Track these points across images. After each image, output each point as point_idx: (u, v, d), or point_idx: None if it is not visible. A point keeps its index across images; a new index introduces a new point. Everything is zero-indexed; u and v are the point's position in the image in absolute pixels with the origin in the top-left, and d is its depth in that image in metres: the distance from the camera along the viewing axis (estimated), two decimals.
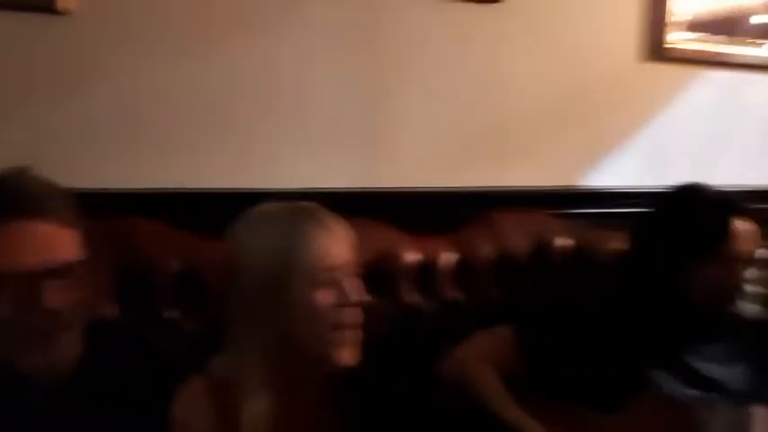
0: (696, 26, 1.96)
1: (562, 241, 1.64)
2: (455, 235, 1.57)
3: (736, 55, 2.03)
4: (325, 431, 0.97)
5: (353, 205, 1.54)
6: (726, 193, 1.28)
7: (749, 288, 1.69)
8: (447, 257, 1.52)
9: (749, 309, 1.66)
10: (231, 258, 0.93)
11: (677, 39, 1.92)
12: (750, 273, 1.68)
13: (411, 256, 1.48)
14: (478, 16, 1.68)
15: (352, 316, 0.92)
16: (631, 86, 1.90)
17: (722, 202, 1.25)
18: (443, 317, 1.48)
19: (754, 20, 2.08)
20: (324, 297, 0.89)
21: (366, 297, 0.93)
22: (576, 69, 1.81)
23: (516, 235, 1.62)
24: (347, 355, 0.91)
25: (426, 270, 1.50)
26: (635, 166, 1.90)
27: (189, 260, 1.25)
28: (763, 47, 2.09)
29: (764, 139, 2.16)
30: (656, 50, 1.90)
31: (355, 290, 0.92)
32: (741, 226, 1.22)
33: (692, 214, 1.26)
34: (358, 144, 1.60)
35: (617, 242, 1.58)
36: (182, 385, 0.92)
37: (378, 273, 1.45)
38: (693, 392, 1.20)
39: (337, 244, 0.91)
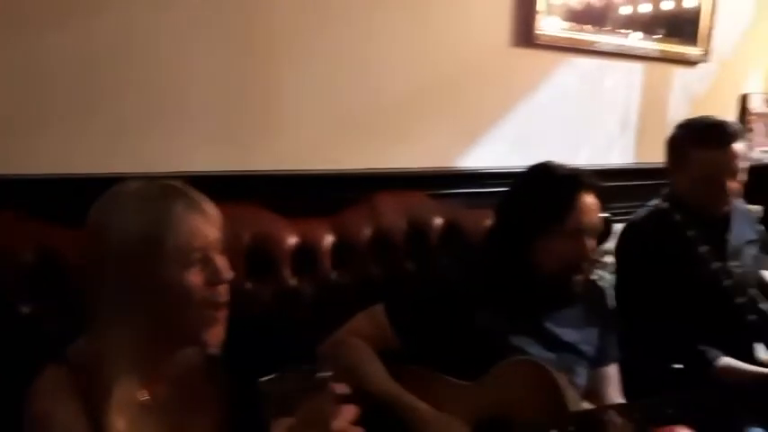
0: (566, 14, 2.07)
1: (438, 220, 1.71)
2: (335, 217, 1.59)
3: (602, 43, 2.18)
4: (199, 412, 0.96)
5: (230, 189, 1.53)
6: (574, 170, 1.35)
7: (606, 258, 1.85)
8: (327, 239, 1.54)
9: (605, 276, 1.83)
10: (94, 241, 0.89)
11: (547, 26, 2.03)
12: (607, 244, 1.85)
13: (290, 239, 1.49)
14: (361, 3, 1.69)
15: (223, 294, 0.92)
16: (503, 71, 1.99)
17: (569, 178, 1.32)
18: (324, 298, 1.50)
19: (623, 10, 2.23)
20: (195, 276, 0.88)
21: (232, 275, 0.93)
22: (450, 54, 1.87)
23: (395, 215, 1.66)
24: (215, 335, 0.91)
25: (306, 252, 1.51)
26: (506, 147, 2.00)
27: (46, 250, 1.18)
28: (628, 36, 2.26)
29: (625, 123, 2.35)
30: (527, 37, 1.99)
31: (225, 268, 0.92)
32: (588, 200, 1.30)
33: (542, 190, 1.33)
34: (234, 127, 1.57)
35: (488, 220, 1.66)
36: (37, 375, 0.88)
37: (257, 256, 1.45)
38: (551, 355, 1.30)
39: (207, 222, 0.90)
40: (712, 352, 1.50)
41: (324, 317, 1.43)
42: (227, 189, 1.51)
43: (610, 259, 1.88)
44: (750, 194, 2.58)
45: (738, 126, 1.64)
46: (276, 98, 1.61)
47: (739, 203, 1.75)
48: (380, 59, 1.75)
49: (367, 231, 1.60)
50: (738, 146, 1.59)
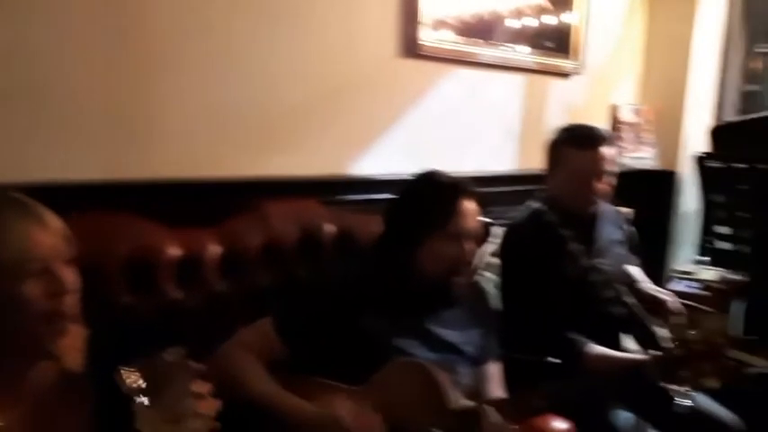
0: (450, 27, 2.16)
1: (330, 227, 1.72)
2: (222, 226, 1.56)
3: (484, 55, 2.29)
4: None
5: (108, 198, 1.47)
6: (455, 177, 1.43)
7: (490, 260, 1.94)
8: (213, 249, 1.51)
9: (492, 277, 1.91)
10: None
11: (431, 38, 2.10)
12: (490, 247, 1.94)
13: (173, 251, 1.45)
14: (243, 10, 1.68)
15: (69, 305, 0.90)
16: (390, 81, 2.04)
17: (451, 185, 1.40)
18: (211, 310, 1.47)
19: (504, 24, 2.35)
20: (32, 288, 0.86)
21: (78, 285, 0.90)
22: (339, 63, 1.89)
23: (285, 223, 1.66)
24: (67, 347, 0.88)
25: (191, 264, 1.47)
26: (396, 154, 2.05)
27: None
28: (509, 49, 2.38)
29: (506, 133, 2.48)
30: (411, 48, 2.06)
31: (69, 278, 0.90)
32: (468, 205, 1.38)
33: (426, 196, 1.40)
34: (114, 133, 1.51)
35: (379, 226, 1.70)
36: None
37: (137, 269, 1.40)
38: (435, 356, 1.34)
39: (45, 231, 0.89)
40: (582, 341, 1.62)
41: (212, 330, 1.40)
42: (105, 198, 1.47)
43: (495, 260, 1.98)
44: (622, 198, 2.81)
45: (608, 132, 1.78)
46: (157, 104, 1.56)
47: (607, 206, 1.90)
48: (267, 66, 1.74)
49: (256, 240, 1.59)
50: (606, 149, 1.74)
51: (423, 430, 1.18)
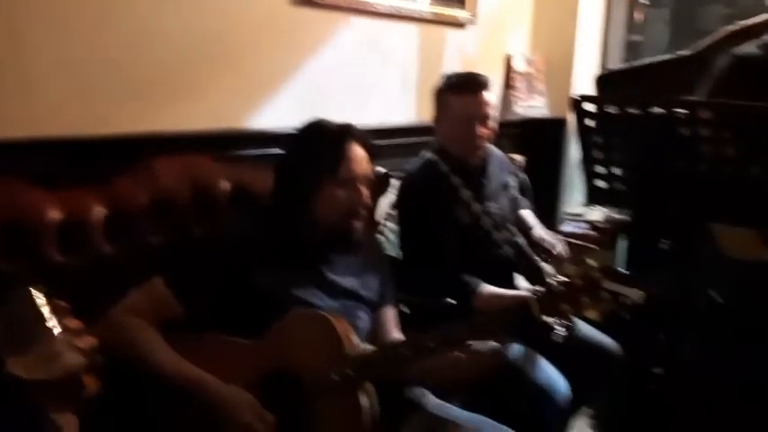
0: None
1: (225, 184, 1.67)
2: (106, 186, 1.48)
3: (379, 4, 2.26)
4: None
5: None
6: (342, 124, 1.43)
7: (390, 210, 1.98)
8: (97, 211, 1.43)
9: (392, 227, 1.95)
10: None
11: None
12: (390, 198, 1.97)
13: (53, 213, 1.36)
14: None
15: None
16: (284, 30, 1.98)
17: (338, 131, 1.40)
18: (98, 274, 1.40)
19: None
20: None
21: None
22: (228, 12, 1.81)
23: (176, 181, 1.59)
24: None
25: (73, 226, 1.39)
26: (294, 107, 2.01)
27: None
28: None
29: (404, 83, 2.48)
30: None
31: None
32: (357, 150, 1.39)
33: (314, 144, 1.40)
34: None
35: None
36: None
37: (12, 234, 1.30)
38: (334, 303, 1.37)
39: None
40: (474, 282, 1.70)
41: (100, 294, 1.34)
42: None
43: (395, 211, 2.02)
44: (516, 146, 2.91)
45: (487, 78, 1.84)
46: (32, 57, 1.43)
47: (497, 151, 1.98)
48: (151, 15, 1.63)
49: (144, 199, 1.51)
50: (486, 94, 1.80)
51: (322, 377, 1.20)
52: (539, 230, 1.98)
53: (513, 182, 2.03)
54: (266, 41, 1.93)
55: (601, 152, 1.44)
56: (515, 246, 1.86)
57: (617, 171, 1.46)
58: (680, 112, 1.31)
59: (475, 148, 1.83)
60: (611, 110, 1.37)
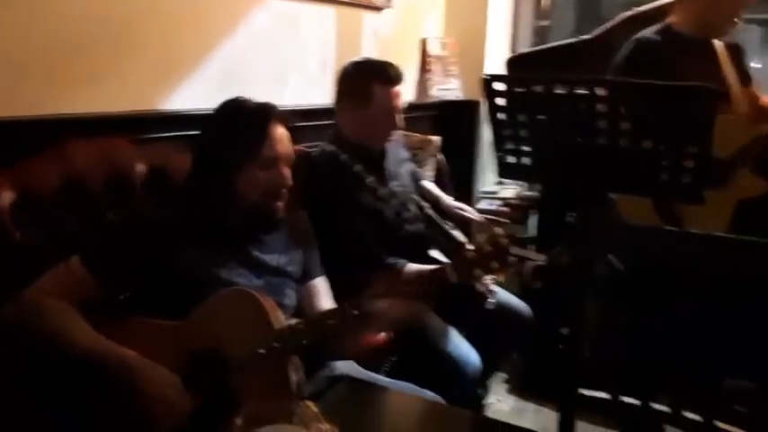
0: None
1: (141, 167, 1.64)
2: (15, 170, 1.42)
3: None
4: None
5: None
6: (263, 103, 1.42)
7: None
8: (5, 196, 1.37)
9: None
10: None
11: None
12: None
13: None
14: None
15: None
16: (198, 9, 1.94)
17: (260, 110, 1.40)
18: (7, 262, 1.35)
19: None
20: None
21: None
22: None
23: (90, 165, 1.55)
24: None
25: None
26: (207, 89, 1.99)
27: None
28: None
29: (324, 64, 2.50)
30: None
31: None
32: (279, 130, 1.39)
33: (235, 124, 1.39)
34: None
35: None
36: None
37: None
38: (260, 282, 1.38)
39: None
40: (398, 262, 1.76)
41: (10, 282, 1.29)
42: None
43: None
44: (433, 127, 3.00)
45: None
46: None
47: None
48: None
49: (55, 183, 1.46)
50: (401, 85, 1.87)
51: (249, 352, 1.22)
52: (446, 199, 2.07)
53: (406, 154, 2.10)
54: (180, 21, 1.89)
55: (509, 129, 1.52)
56: (425, 219, 1.93)
57: (525, 147, 1.55)
58: (579, 90, 1.40)
59: (392, 134, 1.89)
60: (519, 89, 1.45)
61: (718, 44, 2.08)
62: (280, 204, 1.40)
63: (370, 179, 1.86)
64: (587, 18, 5.12)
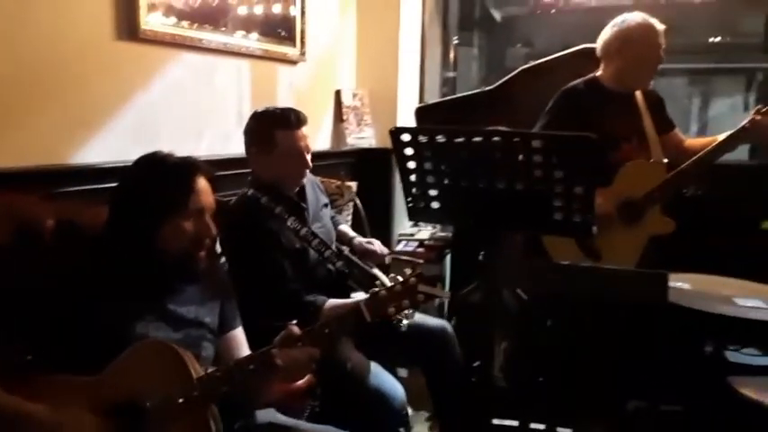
0: (176, 12, 2.15)
1: (50, 222, 1.62)
2: None
3: (209, 41, 2.32)
4: None
5: None
6: (184, 157, 1.46)
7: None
8: None
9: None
10: None
11: (154, 22, 2.07)
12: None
13: None
14: None
15: None
16: (110, 65, 1.96)
17: (184, 164, 1.43)
18: None
19: (235, 10, 2.41)
20: None
21: None
22: (50, 47, 1.77)
23: None
24: None
25: None
26: (121, 141, 1.99)
27: None
28: (237, 36, 2.45)
29: (239, 116, 2.55)
30: (132, 32, 2.00)
31: None
32: (202, 182, 1.43)
33: (159, 178, 1.41)
34: None
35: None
36: None
37: None
38: (178, 335, 1.39)
39: None
40: (318, 299, 1.82)
41: None
42: None
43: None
44: (350, 173, 3.10)
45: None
46: None
47: (309, 176, 2.11)
48: None
49: None
50: (306, 128, 1.96)
51: (168, 402, 1.22)
52: (359, 239, 2.17)
53: (326, 199, 2.19)
54: (91, 76, 1.91)
55: (417, 176, 1.63)
56: (345, 258, 2.01)
57: (432, 192, 1.67)
58: (477, 139, 1.54)
59: (302, 177, 1.97)
60: (423, 139, 1.57)
61: (639, 96, 2.30)
62: (203, 254, 1.42)
63: (291, 220, 1.91)
64: (493, 69, 5.49)
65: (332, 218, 2.19)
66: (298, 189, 2.01)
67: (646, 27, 2.21)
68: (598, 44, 2.30)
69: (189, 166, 1.43)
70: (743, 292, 2.02)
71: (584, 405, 1.78)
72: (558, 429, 1.76)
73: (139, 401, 1.23)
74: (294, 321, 1.36)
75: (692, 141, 2.36)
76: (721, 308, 1.87)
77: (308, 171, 1.99)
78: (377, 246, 2.11)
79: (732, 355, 2.04)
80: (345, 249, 2.07)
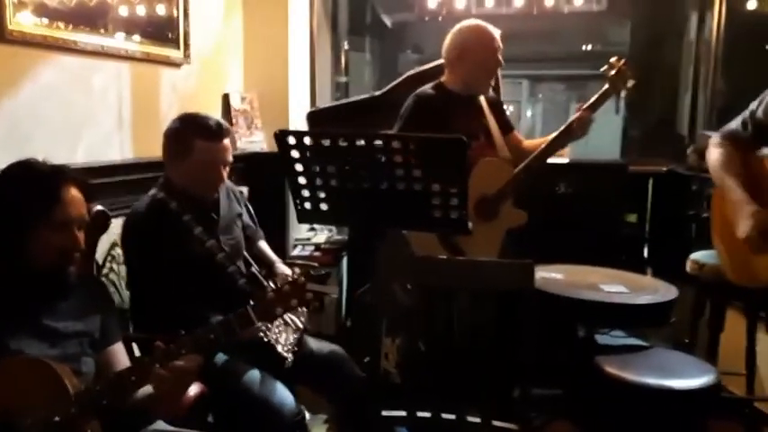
0: (48, 11, 2.03)
1: None
2: None
3: (88, 43, 2.21)
4: None
5: None
6: (55, 165, 1.40)
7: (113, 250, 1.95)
8: None
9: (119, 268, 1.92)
10: None
11: (24, 21, 1.95)
12: (111, 237, 1.94)
13: None
14: None
15: None
16: None
17: (52, 172, 1.37)
18: None
19: (114, 11, 2.31)
20: None
21: None
22: None
23: None
24: None
25: None
26: None
27: None
28: (113, 37, 2.35)
29: (118, 121, 2.45)
30: None
31: None
32: (72, 192, 1.37)
33: (25, 187, 1.34)
34: None
35: None
36: None
37: None
38: (55, 351, 1.33)
39: None
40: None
41: None
42: None
43: (118, 250, 1.99)
44: (242, 178, 3.07)
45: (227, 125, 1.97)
46: None
47: (227, 183, 2.08)
48: None
49: None
50: (228, 140, 1.92)
51: (45, 421, 1.17)
52: (280, 265, 2.13)
53: (242, 210, 2.16)
54: None
55: (304, 178, 1.66)
56: (250, 276, 1.97)
57: (320, 194, 1.70)
58: (359, 143, 1.60)
59: (217, 188, 1.93)
60: (309, 142, 1.61)
61: (482, 99, 2.44)
62: (72, 269, 1.37)
63: (198, 230, 1.86)
64: (385, 75, 5.63)
65: (247, 228, 2.13)
66: (213, 198, 1.95)
67: (481, 33, 2.35)
68: (442, 52, 2.43)
69: (56, 175, 1.37)
70: (608, 278, 2.21)
71: (470, 393, 1.87)
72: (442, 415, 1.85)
73: (13, 422, 1.17)
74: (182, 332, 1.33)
75: (528, 142, 2.55)
76: (588, 294, 2.04)
77: (222, 184, 1.93)
78: (276, 263, 2.07)
79: (602, 339, 2.22)
80: (256, 268, 2.02)
